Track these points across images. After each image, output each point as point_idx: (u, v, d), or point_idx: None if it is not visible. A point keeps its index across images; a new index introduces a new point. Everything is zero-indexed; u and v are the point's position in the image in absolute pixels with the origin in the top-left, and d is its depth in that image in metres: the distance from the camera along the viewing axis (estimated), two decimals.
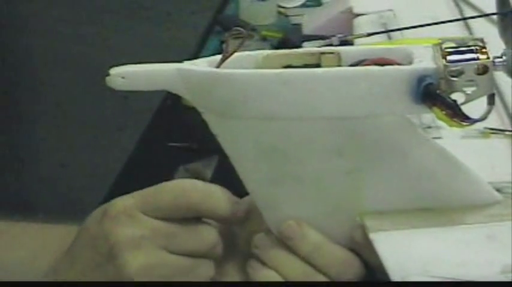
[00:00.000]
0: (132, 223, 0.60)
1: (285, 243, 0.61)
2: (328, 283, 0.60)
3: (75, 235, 0.62)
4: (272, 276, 0.61)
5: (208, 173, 0.62)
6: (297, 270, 0.61)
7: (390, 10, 0.94)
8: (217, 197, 0.61)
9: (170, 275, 0.60)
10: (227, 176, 0.61)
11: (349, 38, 0.70)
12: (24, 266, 0.68)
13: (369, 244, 0.59)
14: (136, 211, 0.60)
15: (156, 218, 0.60)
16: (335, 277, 0.60)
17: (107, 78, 0.58)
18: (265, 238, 0.62)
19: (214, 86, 0.57)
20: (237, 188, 0.62)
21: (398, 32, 0.78)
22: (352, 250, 0.61)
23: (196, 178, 0.63)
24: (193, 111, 0.60)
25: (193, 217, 0.61)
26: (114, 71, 0.58)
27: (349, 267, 0.61)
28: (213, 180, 0.66)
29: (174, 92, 0.59)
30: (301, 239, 0.60)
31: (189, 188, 0.61)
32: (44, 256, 0.67)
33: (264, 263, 0.61)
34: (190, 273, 0.61)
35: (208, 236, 0.61)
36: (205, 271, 0.62)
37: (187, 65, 0.59)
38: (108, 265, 0.59)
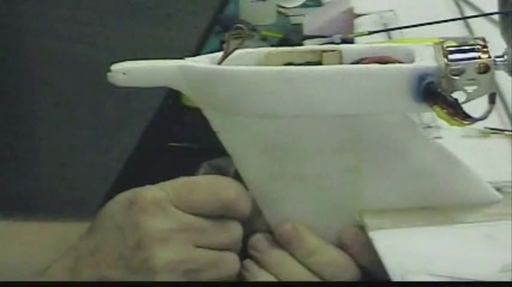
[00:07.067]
0: (163, 215, 0.58)
1: (282, 246, 0.61)
2: (328, 283, 0.61)
3: (96, 220, 0.60)
4: (269, 279, 0.61)
5: (232, 169, 0.61)
6: (294, 274, 0.61)
7: (391, 10, 0.94)
8: (247, 196, 0.61)
9: (197, 269, 0.59)
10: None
11: (350, 36, 0.70)
12: (23, 264, 0.67)
13: (358, 246, 0.60)
14: (168, 204, 0.59)
15: (188, 213, 0.59)
16: (330, 279, 0.60)
17: (108, 74, 0.58)
18: (263, 239, 0.62)
19: (216, 82, 0.57)
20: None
21: (398, 32, 0.78)
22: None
23: (220, 173, 0.62)
24: (193, 111, 0.60)
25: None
26: (115, 67, 0.58)
27: (344, 271, 0.61)
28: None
29: (175, 88, 0.59)
30: (297, 243, 0.61)
31: (224, 187, 0.60)
32: (42, 254, 0.67)
33: (261, 266, 0.61)
34: (217, 267, 0.60)
35: (235, 230, 0.61)
36: (232, 264, 0.61)
37: (188, 61, 0.59)
38: (133, 257, 0.58)
